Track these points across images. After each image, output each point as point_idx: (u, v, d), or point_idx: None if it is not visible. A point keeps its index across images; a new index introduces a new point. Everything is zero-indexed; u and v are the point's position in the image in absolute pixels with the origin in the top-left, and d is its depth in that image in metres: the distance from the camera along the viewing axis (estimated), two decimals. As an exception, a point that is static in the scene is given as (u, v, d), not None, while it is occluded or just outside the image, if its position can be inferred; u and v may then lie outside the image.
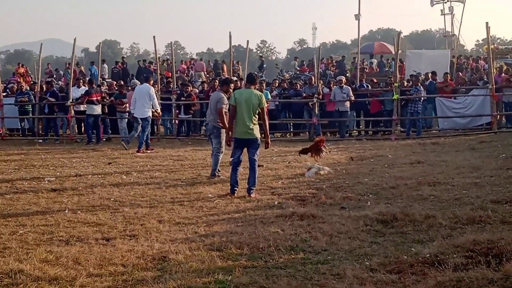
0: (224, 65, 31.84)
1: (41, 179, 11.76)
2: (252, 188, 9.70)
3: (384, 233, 6.99)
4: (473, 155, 13.70)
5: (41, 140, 20.54)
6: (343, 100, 19.78)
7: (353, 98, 19.89)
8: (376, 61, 33.33)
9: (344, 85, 20.11)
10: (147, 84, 16.72)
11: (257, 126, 9.78)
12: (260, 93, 10.07)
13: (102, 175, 12.17)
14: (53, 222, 7.97)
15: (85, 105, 19.67)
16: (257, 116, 9.78)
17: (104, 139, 20.14)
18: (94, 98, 19.26)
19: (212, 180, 11.28)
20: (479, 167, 11.56)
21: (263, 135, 10.33)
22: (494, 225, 7.01)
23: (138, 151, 16.01)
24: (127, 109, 19.76)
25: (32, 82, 25.67)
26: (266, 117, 10.04)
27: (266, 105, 10.10)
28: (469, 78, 23.59)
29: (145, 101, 16.30)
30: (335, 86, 20.44)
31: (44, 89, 21.61)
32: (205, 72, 32.10)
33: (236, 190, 9.75)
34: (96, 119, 19.49)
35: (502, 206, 8.01)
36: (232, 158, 10.41)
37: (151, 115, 16.68)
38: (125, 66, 31.99)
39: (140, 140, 16.38)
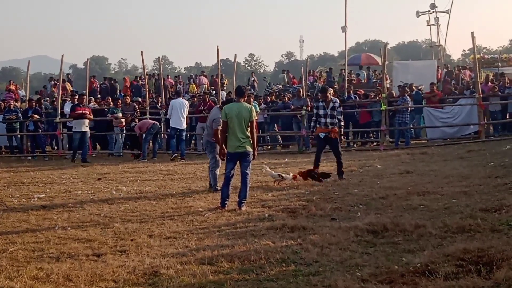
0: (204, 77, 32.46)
1: (30, 196, 11.72)
2: (243, 201, 9.71)
3: (375, 243, 7.00)
4: (461, 164, 13.77)
5: (30, 157, 20.49)
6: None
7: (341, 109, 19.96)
8: (365, 72, 33.50)
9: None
10: (181, 98, 19.10)
11: (250, 139, 9.78)
12: (250, 105, 10.09)
13: (92, 191, 12.14)
14: (43, 239, 7.94)
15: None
16: (249, 129, 9.78)
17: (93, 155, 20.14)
18: (81, 111, 18.87)
19: (202, 194, 11.27)
20: (468, 176, 11.62)
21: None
22: (484, 234, 7.04)
23: (182, 158, 18.11)
24: (123, 124, 19.99)
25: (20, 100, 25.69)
26: (255, 129, 10.04)
27: (256, 117, 10.12)
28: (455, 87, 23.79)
29: (181, 113, 18.22)
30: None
31: (27, 106, 21.61)
32: (208, 85, 32.33)
33: (227, 203, 9.76)
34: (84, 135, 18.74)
35: (492, 214, 8.05)
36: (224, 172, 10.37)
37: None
38: (113, 82, 32.03)
39: (182, 149, 18.44)
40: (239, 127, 9.67)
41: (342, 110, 13.06)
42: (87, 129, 18.76)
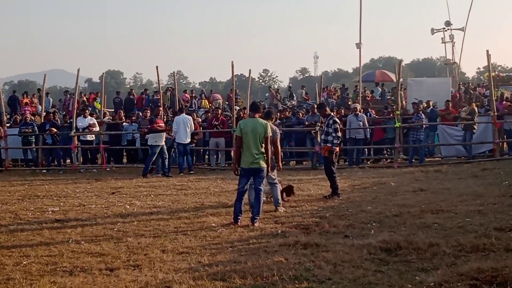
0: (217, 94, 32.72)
1: (44, 209, 11.78)
2: (256, 217, 9.71)
3: (388, 261, 6.97)
4: (476, 182, 13.69)
5: (44, 171, 20.59)
6: (359, 128, 19.92)
7: (367, 125, 20.09)
8: (379, 89, 33.47)
9: (359, 113, 20.26)
10: (184, 114, 19.10)
11: (264, 155, 9.82)
12: (266, 121, 10.11)
13: (106, 205, 12.18)
14: (57, 252, 7.98)
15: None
16: (263, 145, 9.81)
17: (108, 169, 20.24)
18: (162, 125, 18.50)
19: (215, 209, 11.26)
20: (482, 195, 11.54)
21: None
22: (498, 253, 6.99)
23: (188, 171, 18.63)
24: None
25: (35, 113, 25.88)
26: (269, 146, 10.03)
27: (270, 134, 10.11)
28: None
29: (185, 129, 18.53)
30: (350, 114, 20.54)
31: (45, 119, 21.68)
32: (222, 101, 32.61)
33: (239, 219, 9.75)
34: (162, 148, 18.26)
35: (506, 234, 7.99)
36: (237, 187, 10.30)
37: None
38: (131, 96, 32.10)
39: (189, 161, 18.99)
40: (253, 143, 9.72)
41: (338, 127, 12.47)
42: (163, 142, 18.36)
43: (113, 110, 28.76)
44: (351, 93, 34.10)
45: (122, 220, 10.42)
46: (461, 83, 33.25)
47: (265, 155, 9.85)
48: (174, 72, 27.45)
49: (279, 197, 11.26)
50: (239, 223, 9.66)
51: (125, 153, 22.64)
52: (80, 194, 14.10)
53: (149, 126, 18.56)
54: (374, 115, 22.27)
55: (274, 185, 11.25)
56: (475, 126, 19.51)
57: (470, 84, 37.85)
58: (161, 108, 20.21)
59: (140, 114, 22.60)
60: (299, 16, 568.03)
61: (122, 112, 24.45)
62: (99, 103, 27.46)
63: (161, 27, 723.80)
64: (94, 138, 21.41)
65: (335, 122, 12.51)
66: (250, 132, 9.74)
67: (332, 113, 13.14)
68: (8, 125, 22.34)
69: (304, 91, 35.84)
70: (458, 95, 27.36)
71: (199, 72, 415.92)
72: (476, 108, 20.00)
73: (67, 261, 7.50)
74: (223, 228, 9.38)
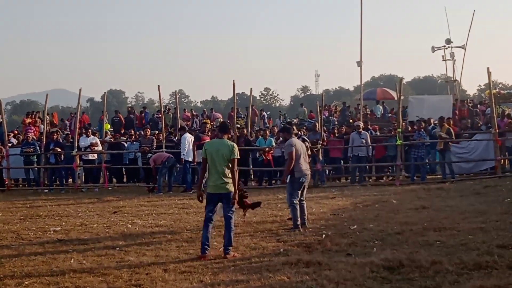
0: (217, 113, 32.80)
1: (46, 229, 11.78)
2: (229, 247, 8.89)
3: (391, 279, 6.95)
4: (478, 199, 13.67)
5: (46, 190, 20.59)
6: (362, 145, 19.92)
7: (369, 142, 20.07)
8: (380, 107, 33.48)
9: (362, 131, 20.29)
10: (187, 133, 19.38)
11: (231, 179, 9.04)
12: (232, 143, 9.34)
13: (107, 224, 12.17)
14: (59, 272, 7.96)
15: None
16: (230, 169, 9.03)
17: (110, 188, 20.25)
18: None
19: (217, 228, 11.15)
20: (484, 212, 11.53)
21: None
22: (501, 270, 6.98)
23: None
24: None
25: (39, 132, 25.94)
26: (235, 168, 9.08)
27: (237, 156, 9.21)
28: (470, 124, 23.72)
29: (194, 147, 18.65)
30: (353, 132, 20.57)
31: (49, 139, 21.68)
32: (222, 119, 32.78)
33: (208, 250, 8.85)
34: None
35: (509, 251, 7.98)
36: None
37: None
38: (131, 115, 32.11)
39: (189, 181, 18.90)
40: (219, 165, 8.97)
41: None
42: None
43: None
44: (353, 111, 34.15)
45: (123, 239, 10.42)
46: (463, 100, 33.24)
47: (231, 180, 9.03)
48: (175, 91, 27.53)
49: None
50: (207, 254, 8.76)
51: (124, 173, 22.60)
52: (82, 213, 14.10)
53: (196, 143, 18.50)
54: (376, 133, 22.29)
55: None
56: (450, 145, 19.54)
57: (473, 101, 37.89)
58: (208, 125, 20.16)
59: (142, 133, 22.58)
60: (300, 35, 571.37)
61: (133, 130, 24.43)
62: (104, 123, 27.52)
63: (162, 46, 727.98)
64: (96, 157, 21.42)
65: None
66: (214, 154, 9.02)
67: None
68: (10, 144, 22.35)
69: (305, 109, 35.89)
70: (457, 112, 27.40)
71: (201, 91, 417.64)
72: (450, 127, 19.99)
73: (69, 281, 7.49)
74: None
